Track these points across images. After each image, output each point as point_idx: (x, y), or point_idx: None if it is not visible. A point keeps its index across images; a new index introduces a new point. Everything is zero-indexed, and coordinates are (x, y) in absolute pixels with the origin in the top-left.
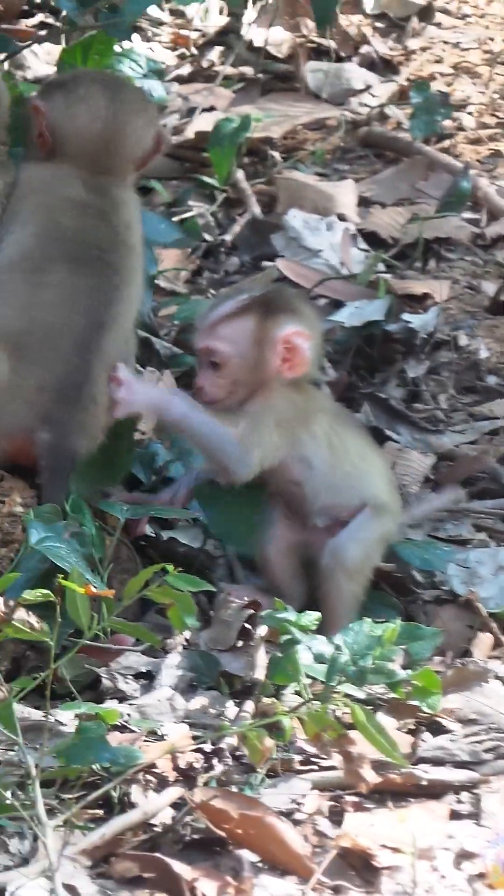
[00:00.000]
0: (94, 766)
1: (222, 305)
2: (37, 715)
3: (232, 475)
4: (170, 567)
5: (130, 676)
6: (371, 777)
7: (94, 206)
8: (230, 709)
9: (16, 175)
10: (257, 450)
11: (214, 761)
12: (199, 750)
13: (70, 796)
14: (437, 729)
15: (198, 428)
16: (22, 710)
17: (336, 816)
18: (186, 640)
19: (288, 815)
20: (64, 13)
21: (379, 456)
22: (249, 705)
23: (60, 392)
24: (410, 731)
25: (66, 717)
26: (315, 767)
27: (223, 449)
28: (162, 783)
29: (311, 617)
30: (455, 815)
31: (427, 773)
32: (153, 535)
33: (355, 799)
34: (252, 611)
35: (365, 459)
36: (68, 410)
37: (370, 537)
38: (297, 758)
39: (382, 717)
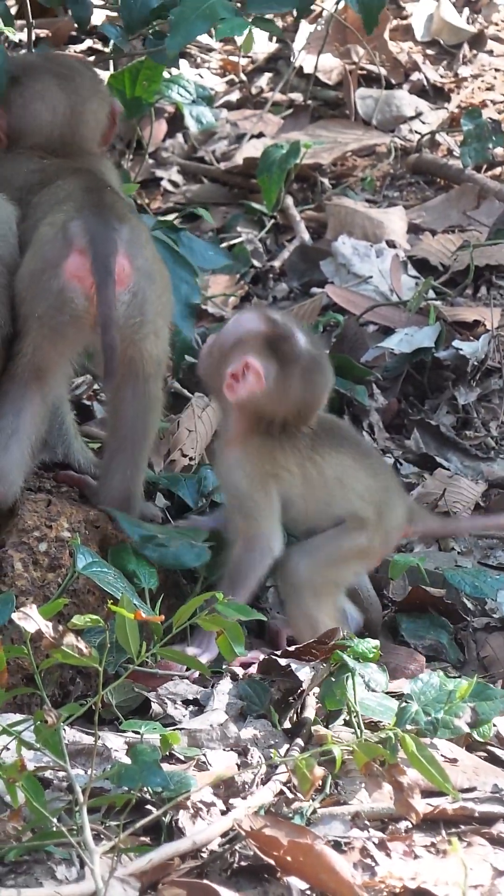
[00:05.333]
0: (141, 793)
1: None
2: (86, 740)
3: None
4: (219, 595)
5: (179, 702)
6: (421, 807)
7: None
8: (280, 738)
9: None
10: (265, 519)
11: (264, 790)
12: (249, 778)
13: (117, 822)
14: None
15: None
16: (72, 735)
17: (386, 847)
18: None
19: (337, 845)
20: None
21: (364, 472)
22: (300, 736)
23: None
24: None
25: (115, 743)
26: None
27: (258, 560)
28: (211, 810)
29: (370, 645)
30: None
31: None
32: None
33: (406, 829)
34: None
35: (343, 483)
36: None
37: (324, 552)
38: (349, 788)
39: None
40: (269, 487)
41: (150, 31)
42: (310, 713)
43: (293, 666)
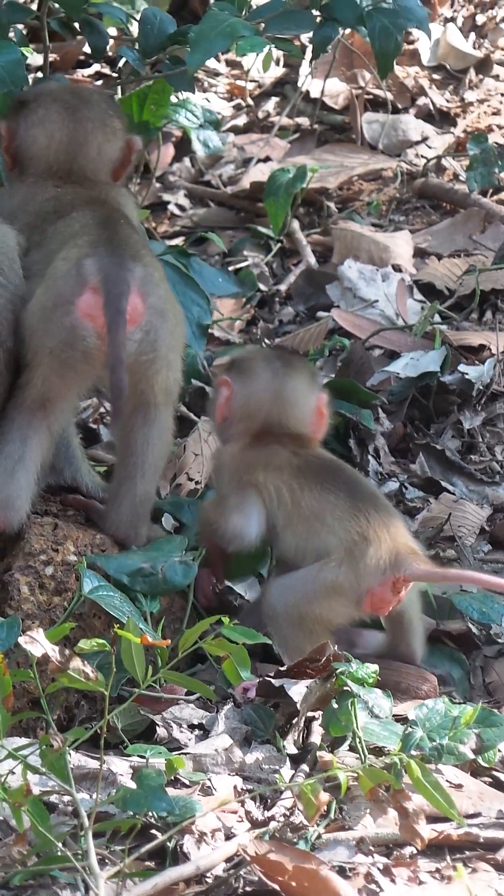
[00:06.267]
0: (146, 817)
1: None
2: (92, 764)
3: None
4: (225, 619)
5: (185, 727)
6: (426, 833)
7: None
8: (285, 763)
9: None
10: (237, 513)
11: (269, 815)
12: (253, 803)
13: (122, 847)
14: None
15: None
16: (77, 760)
17: (391, 873)
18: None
19: (342, 871)
20: (121, 64)
21: (347, 514)
22: (305, 761)
23: None
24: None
25: (121, 767)
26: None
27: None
28: (216, 835)
29: (370, 669)
30: None
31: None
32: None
33: (410, 854)
34: None
35: (321, 520)
36: None
37: (298, 587)
38: (354, 813)
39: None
40: (249, 493)
41: (167, 57)
42: (316, 738)
43: (286, 685)
